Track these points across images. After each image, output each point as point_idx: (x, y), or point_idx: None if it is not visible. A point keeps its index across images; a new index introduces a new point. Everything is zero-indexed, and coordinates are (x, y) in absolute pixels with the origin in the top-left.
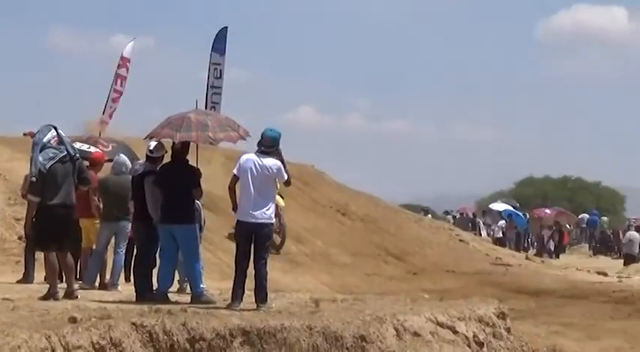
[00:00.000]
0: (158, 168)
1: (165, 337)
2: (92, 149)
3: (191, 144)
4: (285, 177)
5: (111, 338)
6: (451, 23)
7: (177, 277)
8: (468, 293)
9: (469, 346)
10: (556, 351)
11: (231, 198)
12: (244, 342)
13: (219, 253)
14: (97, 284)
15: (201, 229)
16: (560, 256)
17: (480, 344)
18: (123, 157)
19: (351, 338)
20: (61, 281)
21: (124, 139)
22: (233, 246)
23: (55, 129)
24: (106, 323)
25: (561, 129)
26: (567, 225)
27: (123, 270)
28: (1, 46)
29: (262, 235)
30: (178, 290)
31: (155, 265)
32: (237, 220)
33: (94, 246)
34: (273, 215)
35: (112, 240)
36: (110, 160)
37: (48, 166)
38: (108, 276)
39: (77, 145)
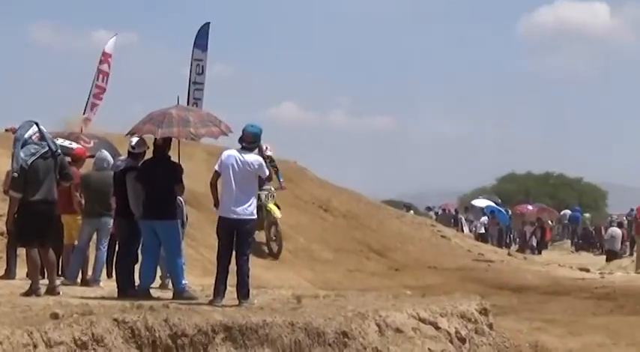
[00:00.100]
0: (140, 164)
1: (147, 333)
2: (74, 145)
3: (173, 140)
4: (267, 172)
5: (93, 334)
6: (433, 20)
7: (159, 273)
8: (450, 289)
9: (451, 342)
10: (538, 347)
11: (212, 195)
12: (226, 338)
13: (202, 249)
14: (78, 280)
15: (183, 225)
16: (543, 252)
17: (462, 340)
18: (105, 153)
19: (333, 334)
20: (43, 278)
21: (105, 135)
22: (215, 242)
23: (37, 125)
24: (88, 319)
25: (543, 125)
26: (549, 222)
27: (105, 266)
28: None
29: (244, 231)
30: (160, 286)
31: (137, 261)
32: (219, 216)
33: (75, 242)
34: (255, 211)
35: (94, 236)
36: (92, 156)
37: (30, 162)
38: (90, 272)
39: (59, 141)
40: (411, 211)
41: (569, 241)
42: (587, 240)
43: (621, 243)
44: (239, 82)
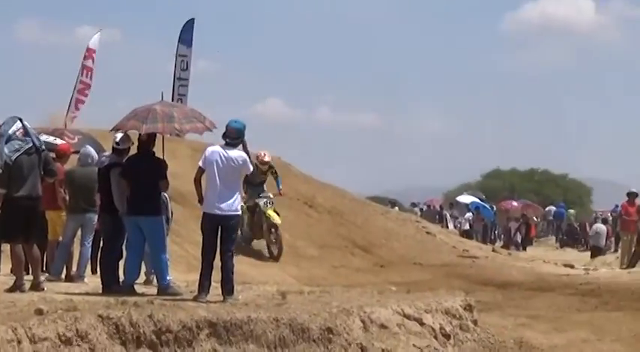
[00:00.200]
0: (124, 160)
1: (132, 329)
2: (58, 141)
3: (157, 136)
4: (251, 168)
5: (77, 330)
6: (418, 17)
7: (143, 269)
8: (435, 285)
9: (436, 338)
10: (523, 343)
11: (197, 191)
12: (211, 334)
13: (186, 245)
14: (63, 276)
15: (168, 221)
16: (527, 248)
17: (447, 336)
18: (89, 149)
19: (318, 330)
20: (28, 273)
21: (89, 131)
22: (200, 238)
23: (21, 120)
24: (73, 315)
25: (528, 121)
26: (534, 218)
27: (89, 262)
28: None
29: (228, 227)
30: (145, 282)
31: (121, 257)
32: (204, 212)
33: (60, 238)
34: (239, 207)
35: (79, 232)
36: (76, 152)
37: (14, 158)
38: (74, 268)
39: (43, 137)
40: (396, 207)
41: (553, 237)
42: (572, 237)
43: (606, 240)
44: (224, 79)
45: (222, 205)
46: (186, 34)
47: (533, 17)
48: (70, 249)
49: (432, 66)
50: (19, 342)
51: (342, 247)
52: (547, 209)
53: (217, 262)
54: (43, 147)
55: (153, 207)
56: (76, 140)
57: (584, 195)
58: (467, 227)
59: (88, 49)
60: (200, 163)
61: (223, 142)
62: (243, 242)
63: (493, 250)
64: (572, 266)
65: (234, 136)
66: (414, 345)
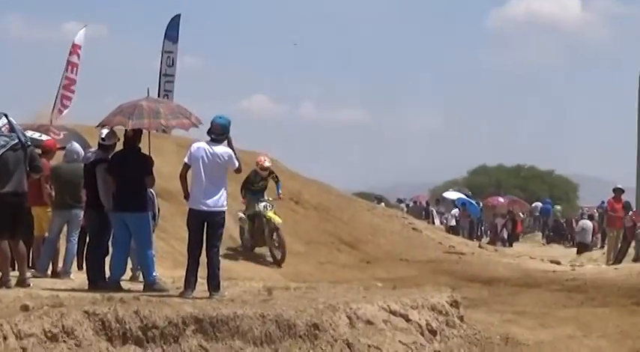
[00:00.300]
0: (110, 156)
1: (118, 325)
2: (44, 137)
3: (143, 131)
4: (237, 164)
5: (63, 326)
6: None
7: (129, 265)
8: (421, 281)
9: (422, 334)
10: (509, 339)
11: (182, 187)
12: (197, 330)
13: (173, 241)
14: (49, 272)
15: (155, 217)
16: (514, 244)
17: (433, 333)
18: (75, 145)
19: (304, 326)
20: (13, 269)
21: (75, 127)
22: (186, 234)
23: (6, 116)
24: (59, 311)
25: (515, 117)
26: (520, 214)
27: (75, 258)
28: None
29: (214, 223)
30: (131, 278)
31: (108, 253)
32: (189, 208)
33: (46, 234)
34: (225, 203)
35: (65, 228)
36: (62, 148)
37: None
38: (60, 264)
39: (29, 133)
40: (382, 203)
41: (540, 233)
42: (558, 233)
43: (592, 236)
44: (210, 75)
45: (208, 201)
46: (172, 31)
47: (518, 14)
48: (56, 245)
49: (418, 62)
50: (5, 338)
51: (328, 243)
52: (533, 205)
53: (203, 258)
54: (29, 143)
55: (139, 203)
56: (61, 136)
57: (571, 191)
58: (453, 223)
59: (74, 45)
60: (185, 159)
61: (209, 138)
62: (244, 250)
63: (479, 246)
64: (558, 263)
65: (219, 132)
66: (400, 341)
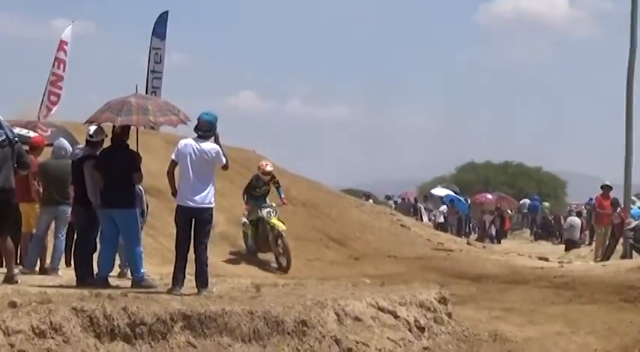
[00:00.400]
0: (98, 153)
1: (106, 321)
2: (31, 133)
3: (131, 128)
4: (224, 161)
5: (51, 323)
6: (394, 10)
7: (117, 261)
8: (410, 278)
9: (410, 331)
10: (497, 336)
11: (170, 183)
12: (185, 327)
13: (161, 238)
14: (37, 268)
15: (143, 214)
16: (502, 241)
17: (421, 329)
18: (63, 141)
19: (292, 323)
20: (1, 266)
21: (63, 124)
22: (174, 230)
23: None
24: (47, 307)
25: (502, 114)
26: (509, 211)
27: (63, 255)
28: None
29: (202, 220)
30: (119, 274)
31: (95, 250)
32: (177, 205)
33: (34, 231)
34: (212, 199)
35: (52, 225)
36: (50, 144)
37: None
38: (48, 261)
39: (16, 130)
40: (371, 200)
41: (528, 230)
42: (547, 229)
43: (580, 232)
44: (198, 71)
45: (196, 198)
46: (159, 27)
47: (506, 11)
48: (43, 242)
49: (407, 59)
50: None
51: (316, 240)
52: (521, 202)
53: (191, 255)
54: (17, 139)
55: (127, 200)
56: (49, 132)
57: (559, 187)
58: (441, 220)
59: (61, 41)
60: (173, 156)
61: (196, 135)
62: (248, 255)
63: (467, 243)
64: (546, 259)
65: (206, 129)
66: (388, 338)
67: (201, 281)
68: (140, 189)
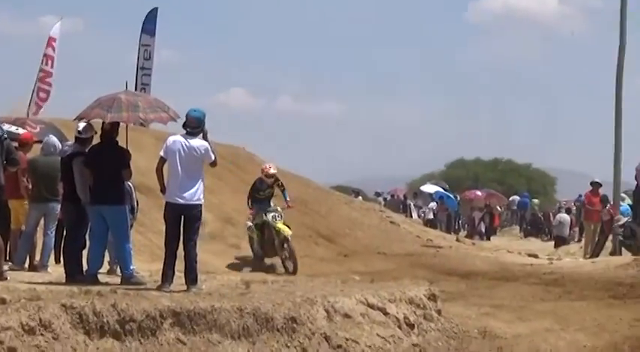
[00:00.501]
0: (87, 149)
1: (95, 318)
2: (20, 130)
3: (120, 125)
4: (213, 157)
5: (40, 320)
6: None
7: (107, 258)
8: (399, 275)
9: (400, 327)
10: (486, 333)
11: (159, 180)
12: (174, 323)
13: (150, 234)
14: (26, 265)
15: (133, 210)
16: (491, 238)
17: (411, 326)
18: (52, 138)
19: (282, 320)
20: None
21: (52, 120)
22: (163, 227)
23: None
24: (36, 304)
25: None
26: (498, 207)
27: (53, 252)
28: None
29: (191, 216)
30: (108, 271)
31: (85, 246)
32: (166, 202)
33: (23, 227)
34: (202, 196)
35: (42, 222)
36: (39, 141)
37: None
38: (37, 258)
39: (5, 127)
40: (360, 197)
41: (517, 227)
42: (536, 226)
43: (570, 229)
44: (187, 68)
45: (185, 194)
46: (149, 24)
47: (496, 7)
48: (33, 239)
49: (396, 55)
50: None
51: (305, 237)
52: (511, 198)
53: (181, 251)
54: (6, 136)
55: (116, 196)
56: (38, 129)
57: (548, 184)
58: (431, 216)
59: (50, 38)
60: (161, 153)
61: (184, 132)
62: (255, 260)
63: (457, 240)
64: (535, 256)
65: (194, 125)
66: (377, 335)
67: (191, 278)
68: (130, 185)
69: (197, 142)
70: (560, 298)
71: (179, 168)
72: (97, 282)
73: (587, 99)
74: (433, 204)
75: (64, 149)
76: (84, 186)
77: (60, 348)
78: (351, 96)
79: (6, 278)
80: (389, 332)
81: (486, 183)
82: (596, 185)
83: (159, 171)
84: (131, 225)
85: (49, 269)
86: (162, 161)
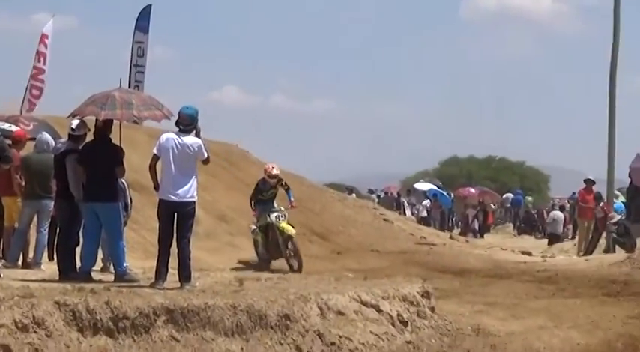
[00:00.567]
0: (80, 147)
1: (89, 315)
2: (13, 127)
3: (114, 122)
4: (206, 155)
5: (34, 317)
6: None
7: (100, 256)
8: (393, 272)
9: (393, 325)
10: (480, 330)
11: (152, 178)
12: (168, 321)
13: (143, 232)
14: (20, 263)
15: (127, 208)
16: (485, 236)
17: (404, 323)
18: (46, 135)
19: (275, 317)
20: None
21: (45, 118)
22: (157, 224)
23: None
24: (29, 301)
25: (486, 108)
26: (492, 205)
27: (46, 249)
28: None
29: (184, 213)
30: (102, 268)
31: (78, 244)
32: (159, 199)
33: (16, 225)
34: (195, 193)
35: (35, 219)
36: (33, 139)
37: None
38: (31, 255)
39: None
40: (354, 194)
41: (511, 224)
42: (530, 224)
43: (563, 227)
44: (181, 65)
45: (178, 192)
46: (142, 21)
47: (490, 5)
48: (26, 236)
49: (389, 53)
50: None
51: (299, 234)
52: (504, 196)
53: (174, 248)
54: None
55: (109, 194)
56: (31, 127)
57: (542, 182)
58: (424, 214)
59: (42, 35)
60: (155, 150)
61: (177, 129)
62: (261, 264)
63: (451, 237)
64: (529, 254)
65: (187, 122)
66: (371, 332)
67: (184, 275)
68: (123, 183)
69: (190, 139)
70: (554, 295)
71: (172, 165)
72: (90, 280)
73: (581, 96)
74: (427, 202)
75: (57, 146)
76: (77, 184)
77: (53, 345)
78: (345, 93)
79: None
80: (382, 329)
81: (480, 180)
82: (589, 182)
83: (152, 168)
84: (125, 223)
85: (42, 266)
86: (156, 158)
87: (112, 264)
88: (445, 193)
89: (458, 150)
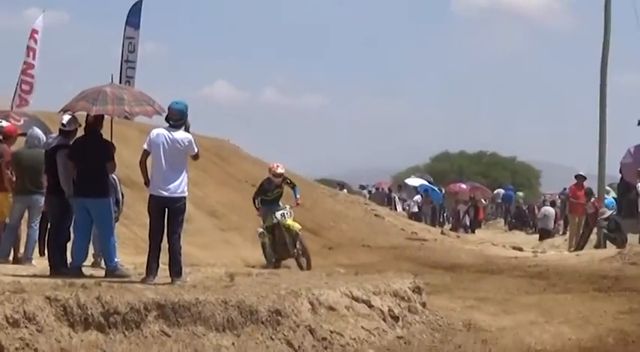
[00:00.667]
0: (71, 142)
1: (80, 311)
2: (4, 123)
3: (105, 118)
4: (196, 150)
5: (25, 312)
6: None
7: (91, 251)
8: (384, 267)
9: (384, 320)
10: (471, 325)
11: (142, 173)
12: (159, 316)
13: (134, 227)
14: (10, 258)
15: (118, 203)
16: (476, 231)
17: (395, 318)
18: (37, 131)
19: (266, 312)
20: None
21: (36, 113)
22: (147, 220)
23: None
24: (20, 297)
25: (477, 104)
26: (483, 200)
27: (37, 244)
28: None
29: (175, 209)
30: (93, 264)
31: (69, 239)
32: (150, 194)
33: (7, 220)
34: (186, 189)
35: (26, 214)
36: (23, 134)
37: None
38: (22, 250)
39: None
40: (345, 190)
41: (502, 220)
42: (521, 219)
43: (554, 222)
44: (172, 61)
45: (169, 187)
46: (133, 17)
47: (481, 1)
48: (17, 231)
49: (381, 49)
50: None
51: None
52: (496, 192)
53: (165, 244)
54: None
55: (100, 189)
56: (22, 122)
57: (533, 177)
58: (415, 209)
59: (33, 30)
60: (145, 146)
61: (167, 124)
62: (269, 266)
63: (442, 233)
64: (520, 249)
65: (176, 118)
66: (362, 327)
67: (175, 270)
68: (114, 178)
69: (180, 135)
70: (545, 291)
71: (163, 160)
72: (81, 275)
73: (573, 92)
74: (418, 197)
75: (48, 141)
76: (68, 179)
77: (44, 341)
78: (336, 89)
79: None
80: (373, 324)
81: (471, 176)
82: (580, 178)
83: (142, 163)
84: (116, 218)
85: (33, 261)
86: (146, 154)
87: (102, 260)
88: (436, 188)
89: (449, 145)
